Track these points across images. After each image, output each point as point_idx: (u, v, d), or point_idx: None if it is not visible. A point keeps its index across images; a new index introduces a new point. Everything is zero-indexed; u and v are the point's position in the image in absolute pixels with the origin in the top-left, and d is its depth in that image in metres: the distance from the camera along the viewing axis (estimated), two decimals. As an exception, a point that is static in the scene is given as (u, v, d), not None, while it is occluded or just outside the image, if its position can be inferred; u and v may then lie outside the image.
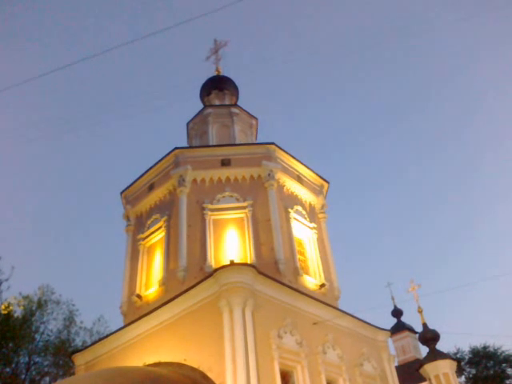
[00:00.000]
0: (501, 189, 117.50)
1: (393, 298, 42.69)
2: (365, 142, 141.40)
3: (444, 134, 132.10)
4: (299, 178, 23.71)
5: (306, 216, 22.71)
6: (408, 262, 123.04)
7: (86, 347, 20.82)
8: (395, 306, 42.05)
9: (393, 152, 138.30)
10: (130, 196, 24.12)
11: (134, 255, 22.03)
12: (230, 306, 14.86)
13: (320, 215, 23.96)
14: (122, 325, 19.62)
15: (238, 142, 25.88)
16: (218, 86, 30.40)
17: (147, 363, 16.33)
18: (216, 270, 15.80)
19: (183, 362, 15.28)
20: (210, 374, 14.26)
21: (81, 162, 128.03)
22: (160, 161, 22.94)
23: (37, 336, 29.23)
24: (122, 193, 24.48)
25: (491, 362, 46.13)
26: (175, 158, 22.25)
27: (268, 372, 14.37)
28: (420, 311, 21.05)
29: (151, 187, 23.07)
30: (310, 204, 23.78)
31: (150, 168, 23.32)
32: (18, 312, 27.78)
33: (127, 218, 23.66)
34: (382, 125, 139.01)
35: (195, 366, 14.84)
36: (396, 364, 23.13)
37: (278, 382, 14.57)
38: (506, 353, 46.01)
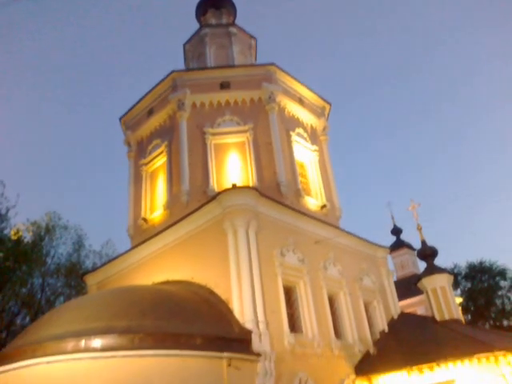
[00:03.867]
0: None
1: (392, 217, 43.85)
2: (368, 61, 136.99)
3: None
4: (300, 100, 23.31)
5: (308, 138, 22.61)
6: (408, 181, 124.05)
7: (97, 268, 21.68)
8: (395, 225, 43.22)
9: (394, 67, 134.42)
10: (129, 121, 23.92)
11: (138, 180, 22.29)
12: (233, 228, 15.27)
13: (322, 137, 23.85)
14: (130, 247, 20.30)
15: (236, 63, 25.15)
16: (214, 3, 28.96)
17: (156, 282, 17.08)
18: (219, 194, 16.05)
19: (191, 280, 15.98)
20: (216, 290, 14.97)
21: (82, 89, 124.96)
22: (158, 85, 22.46)
23: (48, 259, 30.43)
24: (121, 118, 24.28)
25: (486, 276, 48.18)
26: (173, 82, 21.76)
27: (272, 287, 15.08)
28: (419, 228, 21.56)
29: (150, 112, 22.80)
30: (312, 126, 23.58)
31: (148, 92, 22.90)
32: (28, 237, 28.70)
33: (128, 144, 23.66)
34: (386, 47, 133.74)
35: (202, 283, 15.54)
36: (395, 279, 24.14)
37: (282, 296, 15.34)
38: (501, 267, 47.93)
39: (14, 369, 11.41)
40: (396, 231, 43.16)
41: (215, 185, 19.00)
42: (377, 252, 21.77)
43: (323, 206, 20.73)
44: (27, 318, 28.62)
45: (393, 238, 43.05)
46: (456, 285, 46.34)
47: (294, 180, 20.12)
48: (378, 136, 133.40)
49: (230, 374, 11.95)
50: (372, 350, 17.85)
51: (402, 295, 26.82)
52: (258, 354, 13.03)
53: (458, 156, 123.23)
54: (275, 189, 18.87)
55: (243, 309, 13.87)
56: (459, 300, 37.48)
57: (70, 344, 11.25)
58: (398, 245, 41.46)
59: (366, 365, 17.10)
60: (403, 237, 43.11)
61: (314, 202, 20.62)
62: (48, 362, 11.07)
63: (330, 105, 24.95)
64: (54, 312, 14.53)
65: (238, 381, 12.09)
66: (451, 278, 20.49)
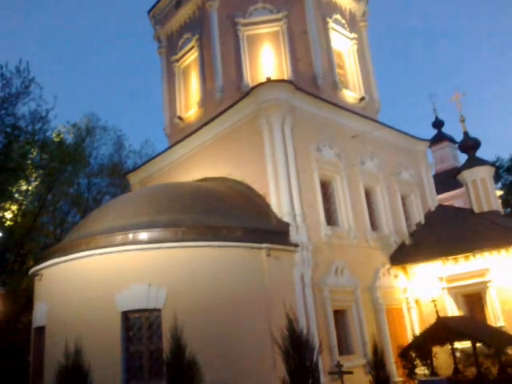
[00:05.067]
0: None
1: (434, 109, 41.91)
2: None
3: None
4: (338, -18, 21.43)
5: (346, 25, 21.14)
6: (452, 71, 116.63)
7: (138, 167, 22.33)
8: (436, 117, 41.39)
9: None
10: (157, 15, 22.94)
11: (171, 78, 21.91)
12: (269, 124, 15.08)
13: (361, 23, 22.25)
14: (168, 146, 20.60)
15: None
16: None
17: (195, 179, 17.52)
18: (253, 88, 15.64)
19: (228, 177, 16.28)
20: (254, 186, 15.26)
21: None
22: (184, -28, 21.05)
23: (91, 160, 31.49)
24: (149, 12, 23.30)
25: (530, 169, 46.76)
26: (200, -33, 20.29)
27: (308, 182, 15.20)
28: (462, 120, 20.63)
29: (178, 3, 21.66)
30: (350, 11, 21.92)
31: (175, -19, 21.60)
32: (69, 139, 29.45)
33: (158, 39, 22.92)
34: None
35: (240, 179, 15.82)
36: (433, 172, 23.76)
37: (318, 190, 15.51)
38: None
39: (70, 259, 12.38)
40: (437, 124, 41.44)
41: (249, 79, 18.42)
42: (416, 145, 21.26)
43: (361, 99, 19.97)
44: (77, 216, 30.46)
45: (434, 132, 41.60)
46: (497, 178, 45.34)
47: (331, 71, 19.22)
48: (420, 24, 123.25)
49: (270, 263, 12.58)
50: (408, 241, 18.22)
51: (440, 189, 26.48)
52: (296, 245, 13.54)
53: (504, 45, 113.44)
54: (311, 81, 18.17)
55: (280, 203, 14.20)
56: (499, 193, 36.85)
57: (119, 237, 11.99)
58: (439, 138, 40.04)
59: (401, 255, 17.59)
60: (445, 130, 41.57)
61: (351, 94, 19.85)
62: (100, 254, 11.93)
63: (370, -16, 22.90)
64: (102, 209, 15.33)
65: (277, 269, 12.74)
66: (492, 169, 19.90)
